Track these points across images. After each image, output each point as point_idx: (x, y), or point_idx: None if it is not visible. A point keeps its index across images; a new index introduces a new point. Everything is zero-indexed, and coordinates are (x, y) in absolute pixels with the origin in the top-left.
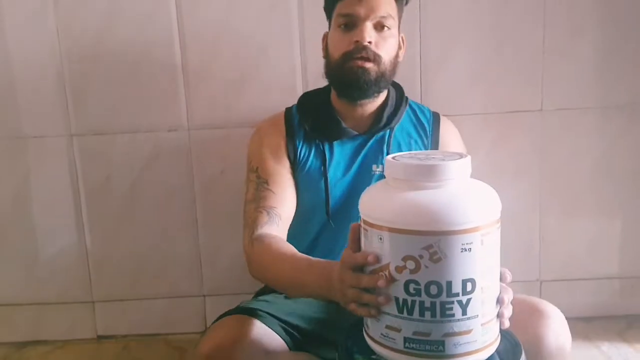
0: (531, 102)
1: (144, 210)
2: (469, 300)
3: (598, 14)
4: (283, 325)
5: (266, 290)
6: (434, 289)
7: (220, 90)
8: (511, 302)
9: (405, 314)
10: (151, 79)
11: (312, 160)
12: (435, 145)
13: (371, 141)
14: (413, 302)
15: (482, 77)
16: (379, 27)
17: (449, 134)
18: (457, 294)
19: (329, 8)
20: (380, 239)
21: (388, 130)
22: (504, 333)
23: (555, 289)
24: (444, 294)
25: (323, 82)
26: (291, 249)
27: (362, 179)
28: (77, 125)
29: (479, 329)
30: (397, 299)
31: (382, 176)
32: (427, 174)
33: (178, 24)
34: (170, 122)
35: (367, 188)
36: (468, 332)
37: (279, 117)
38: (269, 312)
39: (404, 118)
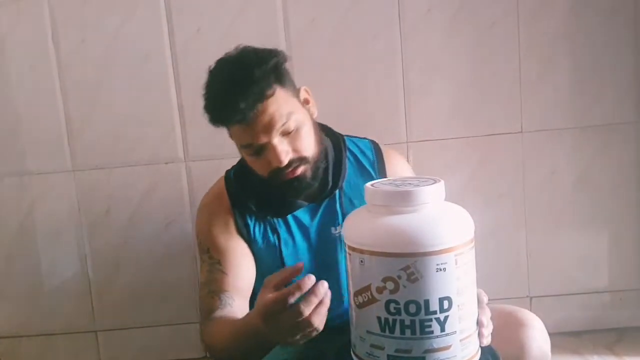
0: (511, 125)
1: (144, 240)
2: (446, 317)
3: (570, 41)
4: None
5: None
6: (412, 308)
7: None
8: (491, 318)
9: (387, 333)
10: (148, 115)
11: (268, 236)
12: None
13: (323, 205)
14: (394, 320)
15: (463, 103)
16: (286, 132)
17: (395, 168)
18: (435, 312)
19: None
20: (362, 261)
21: (337, 190)
22: (483, 347)
23: (545, 305)
24: (423, 312)
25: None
26: (232, 318)
27: (323, 245)
28: (77, 161)
29: (458, 345)
30: (379, 318)
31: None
32: (402, 200)
33: (173, 64)
34: (167, 155)
35: (350, 214)
36: (447, 347)
37: (221, 190)
38: None
39: (348, 172)
